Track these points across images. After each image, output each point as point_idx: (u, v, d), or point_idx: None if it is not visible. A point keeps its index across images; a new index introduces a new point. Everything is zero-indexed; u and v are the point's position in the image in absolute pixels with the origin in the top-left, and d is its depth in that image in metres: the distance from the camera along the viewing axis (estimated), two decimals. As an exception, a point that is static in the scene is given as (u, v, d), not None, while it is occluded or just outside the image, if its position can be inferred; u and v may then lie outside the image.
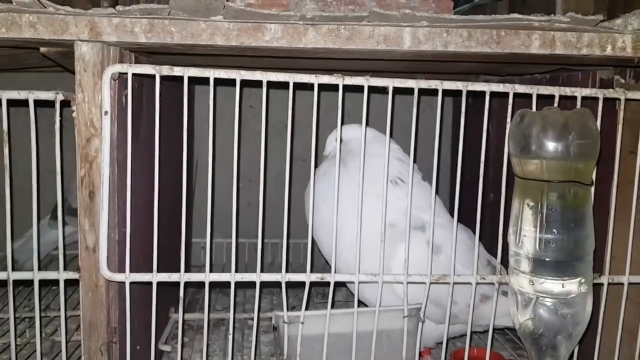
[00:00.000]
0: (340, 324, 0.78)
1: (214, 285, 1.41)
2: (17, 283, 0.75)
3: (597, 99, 0.79)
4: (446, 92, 0.78)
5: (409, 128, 0.78)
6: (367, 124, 0.78)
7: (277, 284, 0.76)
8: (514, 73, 1.23)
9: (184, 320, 0.78)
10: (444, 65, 1.05)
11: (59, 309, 1.22)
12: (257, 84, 0.74)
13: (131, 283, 0.73)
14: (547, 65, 1.00)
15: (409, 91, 0.76)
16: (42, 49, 0.78)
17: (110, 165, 0.72)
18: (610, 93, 0.80)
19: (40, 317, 0.77)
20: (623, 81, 0.96)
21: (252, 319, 1.29)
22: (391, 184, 0.93)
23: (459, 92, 0.77)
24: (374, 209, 0.80)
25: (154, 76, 0.71)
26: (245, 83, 0.74)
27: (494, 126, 1.35)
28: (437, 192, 0.83)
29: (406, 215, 0.78)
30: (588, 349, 0.85)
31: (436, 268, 0.78)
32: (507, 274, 0.76)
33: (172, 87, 0.90)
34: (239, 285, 1.26)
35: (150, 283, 0.73)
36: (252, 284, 0.75)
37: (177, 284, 0.74)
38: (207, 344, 0.78)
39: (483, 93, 0.78)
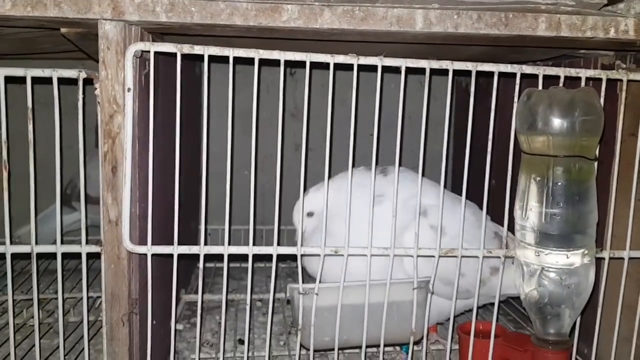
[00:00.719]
0: (352, 296, 0.81)
1: (209, 268, 1.46)
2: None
3: (600, 80, 0.82)
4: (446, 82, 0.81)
5: (413, 117, 0.81)
6: (380, 109, 0.81)
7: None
8: (518, 61, 1.26)
9: (203, 294, 0.80)
10: (452, 53, 1.08)
11: (71, 290, 1.26)
12: (268, 71, 0.76)
13: (144, 258, 0.76)
14: (551, 50, 1.03)
15: (414, 80, 0.79)
16: (63, 30, 0.80)
17: (132, 143, 0.74)
18: (613, 74, 0.83)
19: (63, 295, 0.79)
20: (624, 66, 0.99)
21: (261, 301, 1.32)
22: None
23: (461, 83, 0.80)
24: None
25: (170, 57, 0.74)
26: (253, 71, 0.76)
27: (495, 117, 1.39)
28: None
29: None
30: (589, 324, 0.88)
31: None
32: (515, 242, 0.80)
33: (185, 72, 0.92)
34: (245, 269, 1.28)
35: (167, 258, 0.76)
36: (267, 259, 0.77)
37: (191, 263, 0.77)
38: (225, 320, 0.80)
39: (486, 85, 0.81)
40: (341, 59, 0.76)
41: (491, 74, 0.80)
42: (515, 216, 0.78)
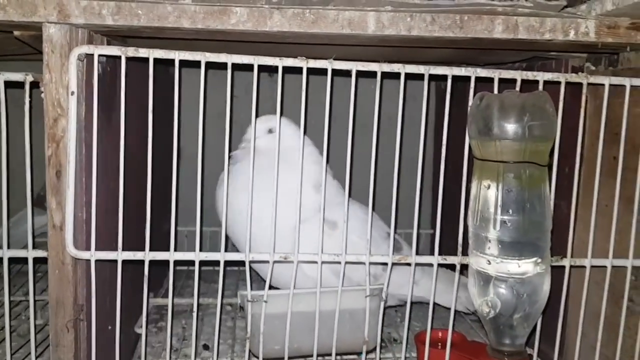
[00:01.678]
0: (303, 303, 0.79)
1: (181, 272, 1.45)
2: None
3: (577, 84, 0.81)
4: (431, 82, 0.80)
5: (394, 119, 0.79)
6: (357, 111, 0.80)
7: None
8: (491, 62, 1.24)
9: (148, 302, 0.79)
10: (423, 54, 1.06)
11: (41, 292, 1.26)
12: (247, 73, 0.76)
13: (101, 263, 0.75)
14: (522, 52, 1.01)
15: (395, 80, 0.78)
16: (16, 32, 0.79)
17: (78, 146, 0.73)
18: (572, 78, 0.81)
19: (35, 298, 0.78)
20: (594, 68, 0.97)
21: (231, 305, 1.31)
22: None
23: (440, 85, 0.79)
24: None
25: (134, 60, 0.73)
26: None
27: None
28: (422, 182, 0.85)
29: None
30: (552, 332, 0.86)
31: (333, 242, 0.80)
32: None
33: (161, 74, 0.91)
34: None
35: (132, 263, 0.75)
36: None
37: (161, 267, 0.76)
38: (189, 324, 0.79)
39: (464, 88, 0.79)
40: (290, 62, 0.75)
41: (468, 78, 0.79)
42: (468, 223, 0.77)
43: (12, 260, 0.78)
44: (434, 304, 0.82)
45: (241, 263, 1.44)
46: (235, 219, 0.94)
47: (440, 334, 0.89)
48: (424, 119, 0.79)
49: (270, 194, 0.76)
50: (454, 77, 0.78)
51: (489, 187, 0.73)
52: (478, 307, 0.77)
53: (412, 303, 0.84)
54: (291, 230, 0.80)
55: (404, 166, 0.81)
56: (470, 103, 0.77)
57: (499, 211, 0.72)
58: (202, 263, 0.77)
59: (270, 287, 0.79)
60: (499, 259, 0.73)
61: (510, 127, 0.70)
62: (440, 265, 0.80)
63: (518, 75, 0.80)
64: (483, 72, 0.79)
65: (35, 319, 0.80)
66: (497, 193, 0.72)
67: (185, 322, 1.20)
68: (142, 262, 0.76)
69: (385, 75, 0.78)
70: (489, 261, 0.74)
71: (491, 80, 0.80)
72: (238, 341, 1.13)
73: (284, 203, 0.77)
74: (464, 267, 0.80)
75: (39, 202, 1.42)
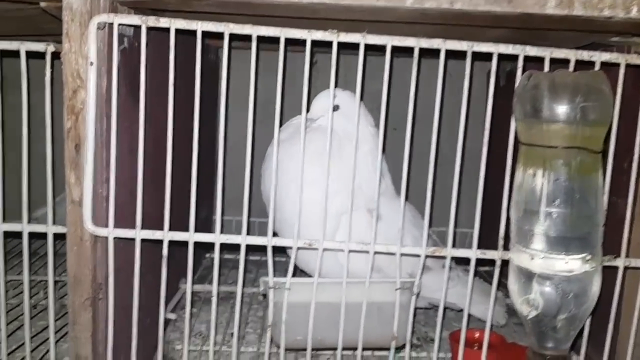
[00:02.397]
0: (327, 293, 0.75)
1: (227, 261, 1.43)
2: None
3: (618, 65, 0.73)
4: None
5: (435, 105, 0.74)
6: (389, 90, 0.75)
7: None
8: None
9: (193, 285, 0.76)
10: (470, 37, 0.99)
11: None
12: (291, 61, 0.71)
13: (125, 243, 0.73)
14: (579, 36, 0.93)
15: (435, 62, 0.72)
16: (43, 4, 0.77)
17: (98, 120, 0.71)
18: (633, 59, 0.73)
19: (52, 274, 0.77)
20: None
21: (264, 296, 1.27)
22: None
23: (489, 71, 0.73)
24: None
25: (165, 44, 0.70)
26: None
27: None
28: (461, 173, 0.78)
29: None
30: (601, 337, 0.79)
31: (379, 235, 0.74)
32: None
33: (206, 62, 0.88)
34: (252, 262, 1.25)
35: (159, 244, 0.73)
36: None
37: (198, 252, 0.74)
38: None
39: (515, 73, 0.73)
40: (319, 35, 0.70)
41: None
42: (511, 215, 0.70)
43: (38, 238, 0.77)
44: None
45: (277, 253, 1.42)
46: (280, 201, 0.88)
47: (477, 334, 0.82)
48: (464, 106, 0.73)
49: (322, 179, 0.73)
50: (501, 59, 0.72)
51: (534, 175, 0.66)
52: (518, 306, 0.70)
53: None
54: (333, 217, 0.76)
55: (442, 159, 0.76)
56: (491, 82, 0.70)
57: (544, 202, 0.66)
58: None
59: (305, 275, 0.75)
60: (544, 255, 0.66)
61: (561, 109, 0.63)
62: (477, 271, 0.74)
63: (572, 54, 0.73)
64: (533, 51, 0.72)
65: (55, 297, 0.78)
66: (543, 182, 0.65)
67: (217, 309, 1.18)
68: (172, 246, 0.73)
69: (425, 57, 0.72)
70: (532, 256, 0.67)
71: (541, 60, 0.73)
72: (265, 331, 1.09)
73: (335, 189, 0.74)
74: (504, 264, 0.74)
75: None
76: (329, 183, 0.73)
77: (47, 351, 0.91)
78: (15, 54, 0.73)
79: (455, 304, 1.02)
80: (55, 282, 1.14)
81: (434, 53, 0.73)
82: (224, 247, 0.79)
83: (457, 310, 1.09)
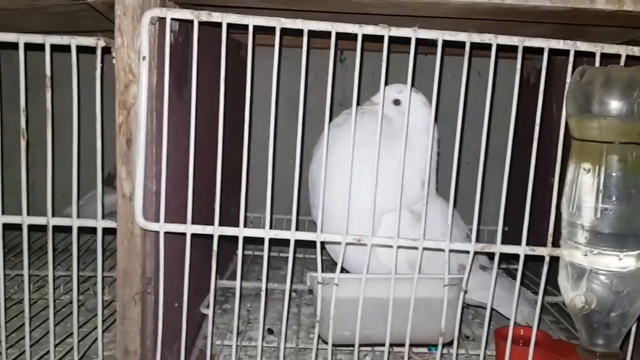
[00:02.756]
0: (375, 289, 0.75)
1: (257, 257, 1.44)
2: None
3: None
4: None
5: (471, 104, 0.73)
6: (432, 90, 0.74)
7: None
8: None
9: (217, 280, 0.76)
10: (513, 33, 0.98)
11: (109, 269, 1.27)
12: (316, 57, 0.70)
13: (171, 239, 0.73)
14: (627, 34, 0.92)
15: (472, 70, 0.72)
16: (89, -1, 0.78)
17: (149, 115, 0.71)
18: (685, 54, 0.72)
19: (103, 272, 0.77)
20: None
21: (295, 291, 1.27)
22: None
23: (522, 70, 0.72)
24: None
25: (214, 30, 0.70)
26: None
27: (558, 106, 1.27)
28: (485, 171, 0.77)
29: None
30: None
31: (416, 234, 0.74)
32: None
33: (233, 57, 0.88)
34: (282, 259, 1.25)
35: (198, 240, 0.73)
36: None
37: (229, 249, 0.74)
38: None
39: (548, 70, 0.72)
40: (370, 29, 0.70)
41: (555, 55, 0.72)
42: (562, 211, 0.70)
43: (81, 234, 0.77)
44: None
45: (308, 249, 1.42)
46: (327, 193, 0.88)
47: (522, 331, 0.82)
48: (515, 101, 0.73)
49: (371, 174, 0.73)
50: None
51: (588, 171, 0.66)
52: (569, 302, 0.70)
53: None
54: (377, 215, 0.76)
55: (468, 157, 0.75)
56: (568, 80, 0.70)
57: (599, 198, 0.65)
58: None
59: (342, 271, 0.75)
60: (597, 251, 0.66)
61: (616, 104, 0.63)
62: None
63: (622, 50, 0.72)
64: (583, 46, 0.72)
65: (103, 294, 0.79)
66: (597, 178, 0.65)
67: (250, 305, 1.18)
68: (210, 241, 0.73)
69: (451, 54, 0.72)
70: (585, 253, 0.67)
71: (591, 56, 0.73)
72: (303, 328, 1.10)
73: (383, 187, 0.74)
74: (553, 260, 0.73)
75: (109, 182, 1.44)
76: (377, 177, 0.73)
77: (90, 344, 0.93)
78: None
79: (482, 302, 1.01)
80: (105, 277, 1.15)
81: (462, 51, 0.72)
82: (253, 243, 0.78)
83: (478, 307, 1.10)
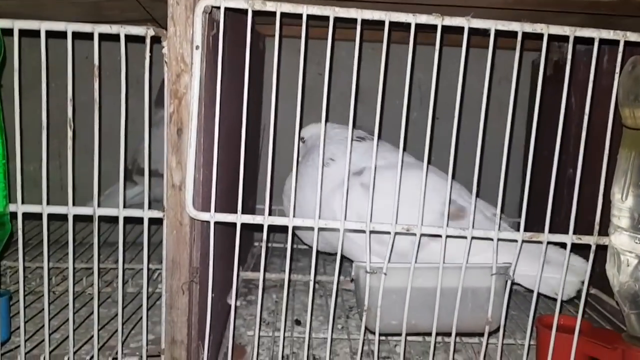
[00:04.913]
0: (421, 278, 0.75)
1: (275, 249, 1.43)
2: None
3: None
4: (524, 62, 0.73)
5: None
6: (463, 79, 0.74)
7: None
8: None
9: (266, 264, 0.76)
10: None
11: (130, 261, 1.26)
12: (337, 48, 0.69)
13: (206, 228, 0.73)
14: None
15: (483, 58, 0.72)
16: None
17: (198, 105, 0.70)
18: None
19: (124, 258, 0.77)
20: None
21: (318, 283, 1.28)
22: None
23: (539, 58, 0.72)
24: None
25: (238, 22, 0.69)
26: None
27: (576, 98, 1.29)
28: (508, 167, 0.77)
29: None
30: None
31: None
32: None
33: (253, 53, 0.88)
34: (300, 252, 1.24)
35: (225, 232, 0.72)
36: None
37: (247, 241, 0.73)
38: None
39: (564, 63, 0.72)
40: (424, 18, 0.70)
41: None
42: (613, 199, 0.70)
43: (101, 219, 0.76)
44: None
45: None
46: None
47: (562, 321, 0.83)
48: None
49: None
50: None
51: (642, 159, 0.67)
52: (618, 289, 0.71)
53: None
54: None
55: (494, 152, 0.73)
56: (591, 72, 0.70)
57: (653, 186, 0.66)
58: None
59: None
60: (649, 239, 0.67)
61: (672, 93, 0.64)
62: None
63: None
64: (633, 36, 0.72)
65: (123, 285, 0.78)
66: (651, 166, 0.66)
67: (276, 297, 1.18)
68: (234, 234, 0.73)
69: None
70: (637, 240, 0.67)
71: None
72: (330, 319, 1.10)
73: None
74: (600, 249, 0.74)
75: (128, 176, 1.44)
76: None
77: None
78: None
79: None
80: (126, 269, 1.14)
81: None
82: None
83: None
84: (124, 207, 0.75)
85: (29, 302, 1.04)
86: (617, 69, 0.71)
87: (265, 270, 1.26)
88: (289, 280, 0.79)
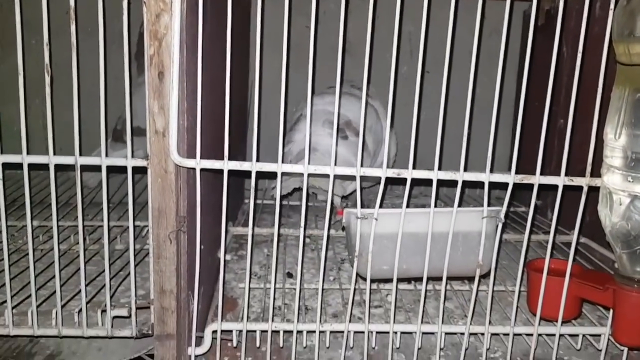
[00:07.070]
0: (414, 224, 0.74)
1: (265, 206, 1.43)
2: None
3: None
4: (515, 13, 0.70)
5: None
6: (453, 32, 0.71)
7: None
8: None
9: (255, 214, 0.75)
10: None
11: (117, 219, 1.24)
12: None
13: (192, 176, 0.71)
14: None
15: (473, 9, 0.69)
16: None
17: (179, 46, 0.68)
18: None
19: (109, 208, 0.75)
20: None
21: (309, 237, 1.27)
22: None
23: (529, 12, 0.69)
24: None
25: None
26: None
27: (568, 48, 1.27)
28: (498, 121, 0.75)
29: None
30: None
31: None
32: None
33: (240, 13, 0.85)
34: (292, 208, 1.24)
35: (213, 183, 0.70)
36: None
37: (238, 197, 0.72)
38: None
39: (556, 12, 0.70)
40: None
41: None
42: (606, 139, 0.69)
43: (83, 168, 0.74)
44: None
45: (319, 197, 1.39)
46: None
47: (552, 264, 0.82)
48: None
49: None
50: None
51: (636, 96, 0.65)
52: (610, 229, 0.70)
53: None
54: None
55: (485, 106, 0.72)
56: (611, 7, 0.68)
57: (646, 123, 0.65)
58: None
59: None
60: (641, 177, 0.66)
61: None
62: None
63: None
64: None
65: (111, 242, 0.76)
66: (646, 102, 0.65)
67: (268, 251, 1.17)
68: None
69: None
70: (630, 178, 0.67)
71: None
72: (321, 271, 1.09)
73: None
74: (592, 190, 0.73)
75: (117, 137, 1.41)
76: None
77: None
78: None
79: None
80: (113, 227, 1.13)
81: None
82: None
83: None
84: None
85: (14, 260, 1.02)
86: (612, 5, 0.69)
87: (254, 225, 1.27)
88: (280, 225, 0.78)
